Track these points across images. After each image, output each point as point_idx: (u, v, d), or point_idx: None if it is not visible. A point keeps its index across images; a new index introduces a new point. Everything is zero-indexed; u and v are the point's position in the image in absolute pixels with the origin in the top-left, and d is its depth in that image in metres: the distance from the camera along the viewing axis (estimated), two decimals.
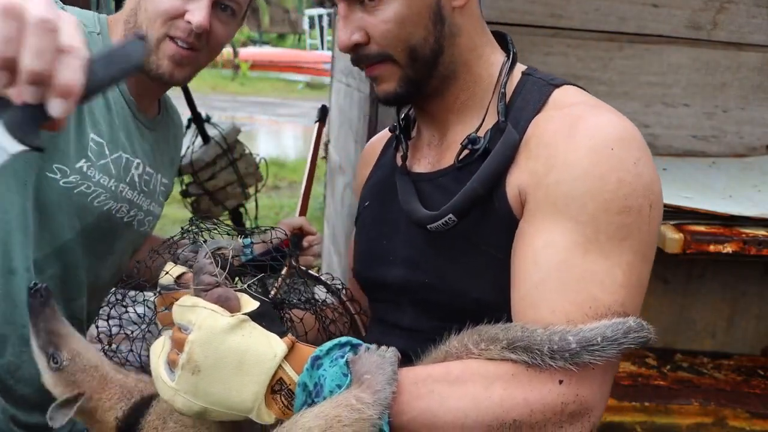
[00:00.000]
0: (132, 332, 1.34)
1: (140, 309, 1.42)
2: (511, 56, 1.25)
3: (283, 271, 1.40)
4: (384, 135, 1.54)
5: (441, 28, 1.20)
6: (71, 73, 0.82)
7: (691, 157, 2.57)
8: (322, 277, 1.52)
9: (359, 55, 1.21)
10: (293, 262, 1.46)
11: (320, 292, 1.49)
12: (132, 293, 1.47)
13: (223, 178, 4.09)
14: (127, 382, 1.13)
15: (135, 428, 1.07)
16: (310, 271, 1.56)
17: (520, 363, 1.00)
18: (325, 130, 2.20)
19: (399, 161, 1.35)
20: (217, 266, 0.97)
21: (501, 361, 1.01)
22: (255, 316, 0.93)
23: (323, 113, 2.02)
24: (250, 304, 0.95)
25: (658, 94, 2.56)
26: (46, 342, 1.12)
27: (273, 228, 1.53)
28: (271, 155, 8.20)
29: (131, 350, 1.34)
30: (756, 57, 2.55)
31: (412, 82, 1.21)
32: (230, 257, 1.05)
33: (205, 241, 1.27)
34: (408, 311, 1.29)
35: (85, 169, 1.45)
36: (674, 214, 1.98)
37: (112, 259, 1.60)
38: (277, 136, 14.18)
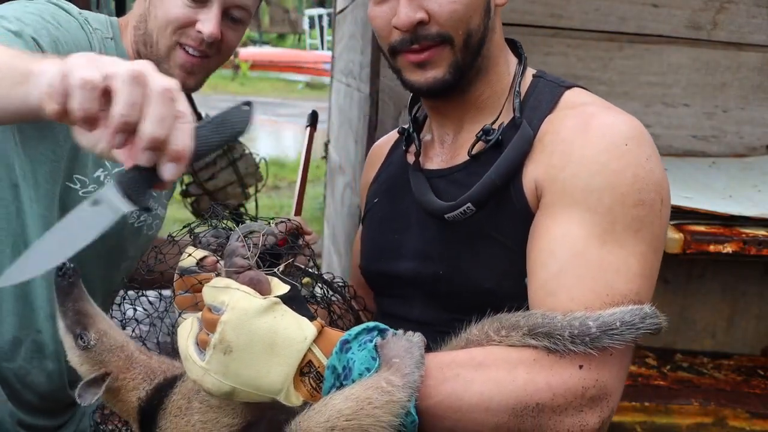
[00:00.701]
0: (144, 326, 1.34)
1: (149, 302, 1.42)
2: (522, 60, 1.30)
3: (280, 269, 1.41)
4: (390, 137, 1.55)
5: (487, 21, 1.24)
6: (184, 139, 0.85)
7: (691, 157, 2.58)
8: (324, 276, 1.52)
9: (417, 35, 1.20)
10: (291, 260, 1.46)
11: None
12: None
13: (223, 178, 4.08)
14: (150, 363, 1.13)
15: (157, 409, 1.07)
16: (310, 270, 1.56)
17: (541, 348, 1.02)
18: (324, 130, 2.22)
19: (411, 159, 1.37)
20: (248, 250, 0.98)
21: (522, 347, 1.03)
22: (285, 300, 0.94)
23: (314, 118, 2.04)
24: (281, 287, 0.96)
25: (658, 94, 2.58)
26: (73, 322, 1.12)
27: (286, 219, 1.53)
28: (271, 155, 8.13)
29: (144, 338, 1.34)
30: (756, 57, 2.56)
31: (459, 69, 1.23)
32: (261, 241, 1.06)
33: (238, 225, 1.27)
34: (417, 304, 1.31)
35: (102, 178, 1.46)
36: (674, 214, 1.99)
37: (125, 265, 1.61)
38: (277, 136, 14.04)
